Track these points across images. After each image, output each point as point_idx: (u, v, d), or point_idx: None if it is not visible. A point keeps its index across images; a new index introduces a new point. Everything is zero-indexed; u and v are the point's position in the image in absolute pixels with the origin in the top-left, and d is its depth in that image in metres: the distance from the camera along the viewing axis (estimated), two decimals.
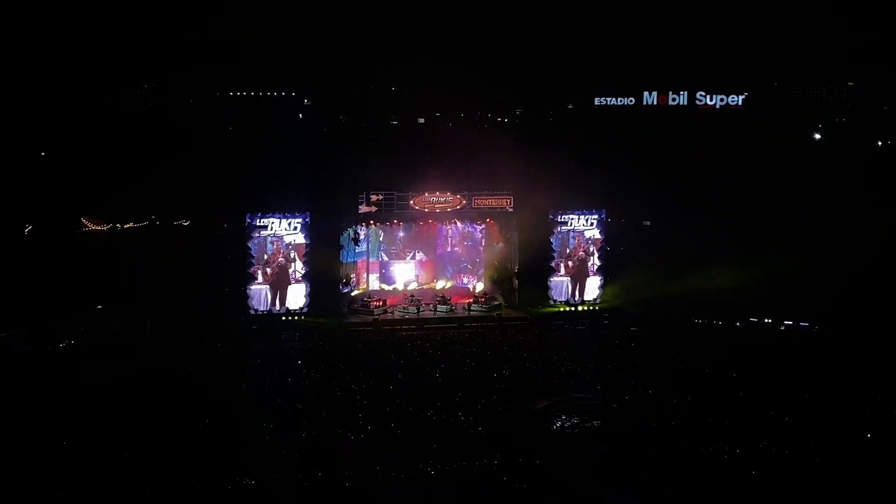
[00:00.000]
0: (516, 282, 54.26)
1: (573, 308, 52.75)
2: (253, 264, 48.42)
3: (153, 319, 44.74)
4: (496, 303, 53.81)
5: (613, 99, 64.65)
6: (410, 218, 53.84)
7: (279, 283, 48.77)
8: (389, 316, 51.43)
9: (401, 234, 56.53)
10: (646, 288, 50.61)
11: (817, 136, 65.46)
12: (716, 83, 64.47)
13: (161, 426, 28.77)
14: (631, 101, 64.61)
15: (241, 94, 66.79)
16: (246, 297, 48.36)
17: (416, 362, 38.96)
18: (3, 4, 57.22)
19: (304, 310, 49.13)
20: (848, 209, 52.67)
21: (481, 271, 57.16)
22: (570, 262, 53.09)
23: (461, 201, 52.66)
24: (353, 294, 53.89)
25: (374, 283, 56.47)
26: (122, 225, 54.06)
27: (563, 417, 30.06)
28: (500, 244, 55.86)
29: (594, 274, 53.27)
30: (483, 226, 56.10)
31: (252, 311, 48.41)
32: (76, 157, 54.92)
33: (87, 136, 56.03)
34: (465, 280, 57.40)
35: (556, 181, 50.12)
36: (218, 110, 66.57)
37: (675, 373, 36.39)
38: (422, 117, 66.09)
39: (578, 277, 53.14)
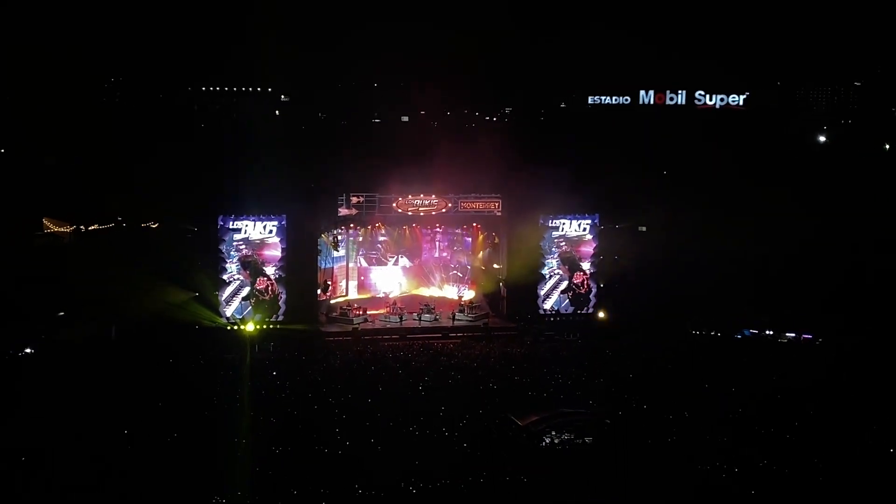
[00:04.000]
0: (504, 290, 54.36)
1: (564, 318, 52.84)
2: (225, 269, 48.38)
3: (119, 327, 44.57)
4: (483, 312, 53.86)
5: (608, 98, 64.92)
6: (393, 221, 53.95)
7: (253, 291, 48.70)
8: (370, 325, 51.39)
9: (382, 238, 56.70)
10: (641, 297, 50.74)
11: (822, 139, 65.83)
12: (716, 82, 64.80)
13: (126, 441, 28.71)
14: (626, 100, 64.92)
15: (214, 88, 66.64)
16: (218, 303, 48.30)
17: (397, 374, 39.03)
18: None
19: (280, 318, 49.08)
20: (854, 215, 53.00)
21: (469, 278, 57.30)
22: (561, 270, 53.19)
23: (446, 204, 52.77)
24: (331, 302, 53.89)
25: (353, 290, 56.56)
26: (87, 227, 53.84)
27: (553, 433, 30.13)
28: (488, 250, 55.98)
29: (587, 282, 53.39)
30: (470, 230, 56.29)
31: (225, 319, 48.37)
32: (37, 156, 54.66)
33: (49, 134, 55.76)
34: (453, 287, 57.57)
35: (547, 184, 50.24)
36: (189, 106, 66.37)
37: (671, 387, 36.57)
38: (406, 115, 66.13)
39: (570, 286, 53.25)
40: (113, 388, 34.75)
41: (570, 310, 53.22)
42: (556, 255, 53.11)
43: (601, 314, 51.38)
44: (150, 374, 37.59)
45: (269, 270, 48.88)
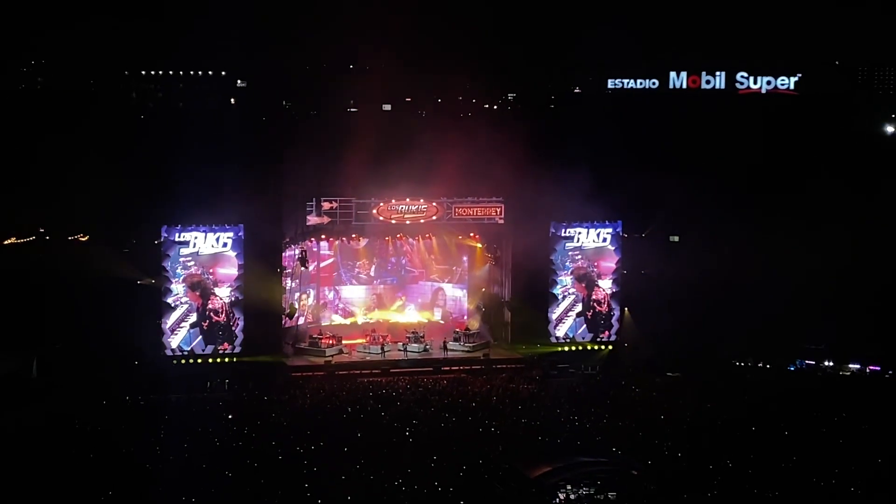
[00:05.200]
0: (508, 313, 54.34)
1: (581, 347, 52.85)
2: (170, 290, 48.28)
3: (42, 362, 44.44)
4: (483, 341, 53.82)
5: (632, 81, 65.01)
6: (373, 231, 53.91)
7: (204, 316, 48.64)
8: (346, 357, 51.37)
9: (360, 251, 56.73)
10: (674, 321, 50.79)
11: (889, 129, 66.05)
12: (761, 62, 64.96)
13: (50, 499, 28.60)
14: (654, 83, 64.99)
15: (156, 72, 66.62)
16: (161, 332, 48.20)
17: (379, 417, 38.99)
18: None
19: (237, 349, 49.01)
20: None
21: (466, 299, 57.30)
22: (576, 289, 53.23)
23: (438, 210, 52.81)
24: (299, 329, 53.79)
25: (325, 315, 56.54)
26: (2, 241, 53.78)
27: (569, 488, 30.11)
28: (488, 265, 55.97)
29: (608, 303, 53.43)
30: (466, 241, 56.33)
31: (169, 352, 48.25)
32: None
33: None
34: (446, 311, 57.59)
35: (559, 185, 50.32)
36: (127, 93, 66.36)
37: (710, 431, 36.58)
38: (388, 103, 66.17)
39: (588, 308, 53.29)
40: (33, 435, 34.68)
41: (588, 337, 53.25)
42: (570, 271, 53.19)
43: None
44: (77, 418, 37.46)
45: (224, 292, 48.81)
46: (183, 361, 48.08)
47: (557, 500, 29.95)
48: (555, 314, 53.02)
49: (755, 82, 65.05)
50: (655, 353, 50.35)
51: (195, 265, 48.41)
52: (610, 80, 65.62)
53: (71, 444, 33.88)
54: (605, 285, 53.34)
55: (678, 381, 45.77)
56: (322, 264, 56.18)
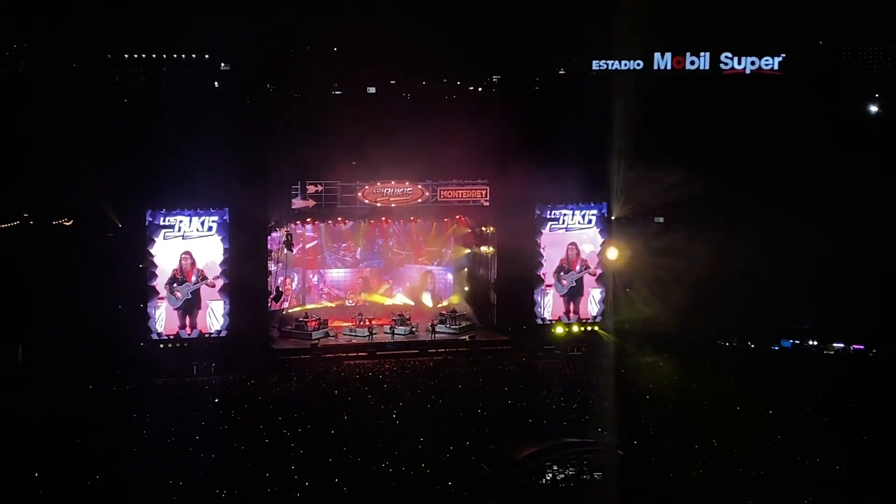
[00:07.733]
0: (494, 296, 54.39)
1: (567, 328, 52.92)
2: (156, 275, 48.17)
3: (27, 347, 44.36)
4: (469, 323, 53.90)
5: (617, 62, 64.89)
6: (359, 214, 53.89)
7: (190, 300, 48.55)
8: (332, 340, 51.42)
9: (345, 233, 56.69)
10: (659, 302, 50.91)
11: (873, 109, 66.16)
12: (746, 42, 64.91)
13: (37, 486, 28.60)
14: (639, 64, 64.89)
15: (139, 55, 66.29)
16: (147, 317, 48.09)
17: (366, 399, 39.06)
18: None
19: (223, 333, 48.94)
20: None
21: (451, 282, 57.36)
22: (562, 271, 53.27)
23: (423, 193, 52.79)
24: (285, 313, 53.80)
25: (311, 298, 56.54)
26: None
27: (555, 468, 30.22)
28: (473, 247, 56.00)
29: (594, 285, 53.47)
30: (452, 224, 56.35)
31: (155, 336, 48.12)
32: None
33: None
34: (432, 294, 57.67)
35: (545, 167, 50.34)
36: (109, 77, 66.02)
37: (696, 411, 36.73)
38: (372, 86, 66.06)
39: (574, 290, 53.34)
40: (19, 422, 34.68)
41: (574, 318, 53.28)
42: (556, 253, 53.16)
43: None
44: (63, 404, 37.45)
45: (209, 275, 48.66)
46: (169, 346, 47.95)
47: (544, 480, 30.06)
48: (541, 296, 53.06)
49: (739, 63, 65.02)
50: (641, 334, 50.46)
51: (181, 249, 48.31)
52: (595, 62, 65.44)
53: (57, 430, 33.88)
54: (591, 266, 53.36)
55: (663, 361, 45.87)
56: (307, 246, 56.15)
